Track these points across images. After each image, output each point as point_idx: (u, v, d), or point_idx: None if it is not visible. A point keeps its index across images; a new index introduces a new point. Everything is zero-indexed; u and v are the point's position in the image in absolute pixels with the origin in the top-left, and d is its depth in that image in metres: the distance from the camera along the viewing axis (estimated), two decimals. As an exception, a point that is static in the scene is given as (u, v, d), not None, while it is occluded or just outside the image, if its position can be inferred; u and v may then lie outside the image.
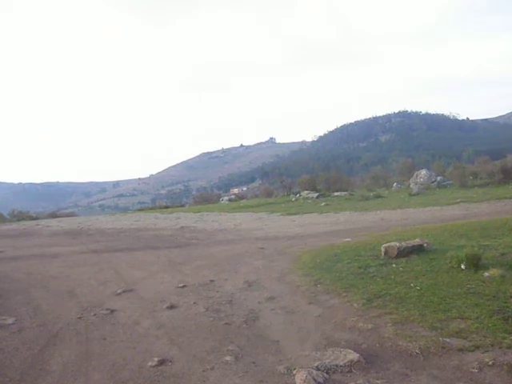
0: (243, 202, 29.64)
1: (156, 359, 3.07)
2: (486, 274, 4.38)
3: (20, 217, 28.42)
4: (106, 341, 3.57)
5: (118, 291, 5.20)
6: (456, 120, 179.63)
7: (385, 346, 3.10)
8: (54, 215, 31.75)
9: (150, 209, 33.70)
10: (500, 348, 2.86)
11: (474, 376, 2.58)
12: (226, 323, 3.86)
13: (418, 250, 5.64)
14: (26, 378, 2.94)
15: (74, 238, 12.46)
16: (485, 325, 3.22)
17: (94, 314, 4.31)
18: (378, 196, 22.02)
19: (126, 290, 5.24)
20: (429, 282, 4.39)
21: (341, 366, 2.80)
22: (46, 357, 3.27)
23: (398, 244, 5.64)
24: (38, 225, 18.81)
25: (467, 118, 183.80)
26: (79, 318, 4.22)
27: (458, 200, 15.98)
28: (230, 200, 34.44)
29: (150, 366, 3.00)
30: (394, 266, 5.17)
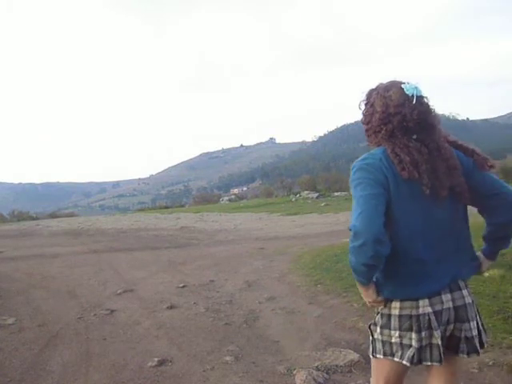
0: (243, 203, 29.65)
1: (156, 359, 3.07)
2: (486, 274, 4.37)
3: (20, 217, 28.45)
4: (106, 341, 3.57)
5: (118, 291, 5.20)
6: (456, 120, 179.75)
7: (385, 346, 3.09)
8: (53, 215, 31.77)
9: (150, 209, 33.75)
10: (500, 348, 2.86)
11: (474, 376, 2.58)
12: (226, 323, 3.86)
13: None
14: (26, 377, 2.94)
15: (74, 239, 12.46)
16: (485, 325, 3.22)
17: (94, 314, 4.30)
18: (378, 196, 22.00)
19: (126, 290, 5.24)
20: (429, 282, 4.39)
21: (341, 366, 2.79)
22: (46, 357, 3.27)
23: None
24: (38, 225, 18.81)
25: (467, 118, 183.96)
26: (79, 318, 4.22)
27: (458, 200, 15.98)
28: (230, 200, 34.47)
29: (150, 366, 3.00)
30: (394, 266, 5.17)
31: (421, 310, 1.41)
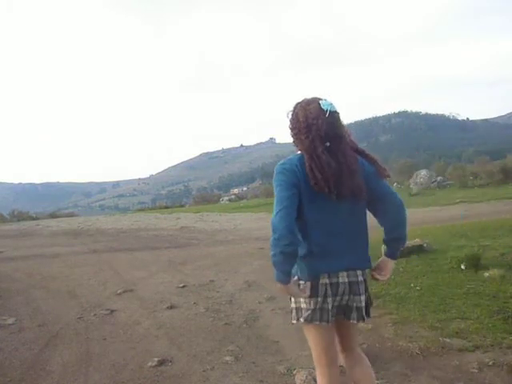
0: (243, 203, 29.65)
1: (156, 359, 3.07)
2: (486, 274, 4.38)
3: (20, 217, 28.42)
4: (106, 341, 3.57)
5: (118, 291, 5.20)
6: (456, 120, 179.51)
7: (385, 346, 3.10)
8: (53, 215, 31.74)
9: (150, 209, 33.69)
10: (500, 348, 2.86)
11: (474, 376, 2.58)
12: (226, 323, 3.86)
13: (418, 250, 5.64)
14: (26, 377, 2.94)
15: (74, 238, 12.46)
16: (485, 325, 3.22)
17: (94, 314, 4.31)
18: (378, 196, 21.96)
19: (126, 290, 5.24)
20: (429, 282, 4.39)
21: (341, 366, 2.78)
22: (46, 357, 3.27)
23: (398, 244, 5.63)
24: (37, 225, 18.80)
25: (467, 118, 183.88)
26: (79, 318, 4.22)
27: (458, 200, 15.99)
28: (229, 200, 34.46)
29: (150, 366, 3.00)
30: (393, 266, 5.17)
31: (320, 281, 1.76)
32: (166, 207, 33.42)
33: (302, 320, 1.80)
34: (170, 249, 9.05)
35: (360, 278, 1.82)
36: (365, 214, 1.89)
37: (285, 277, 1.69)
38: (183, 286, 5.32)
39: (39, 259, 8.23)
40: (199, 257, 7.65)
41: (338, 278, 1.77)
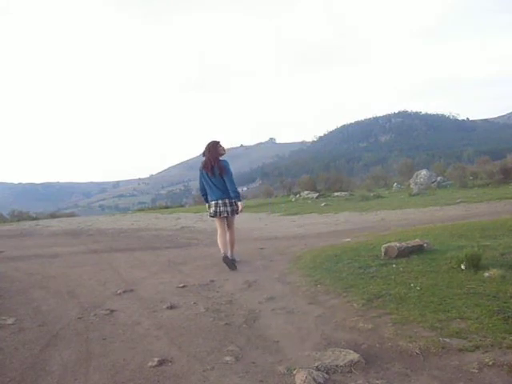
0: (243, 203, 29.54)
1: (156, 359, 3.07)
2: (486, 274, 4.37)
3: (20, 217, 28.40)
4: (106, 341, 3.57)
5: (118, 291, 5.20)
6: (456, 120, 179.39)
7: (385, 346, 3.09)
8: (53, 215, 31.72)
9: (150, 209, 33.64)
10: (500, 348, 2.86)
11: (474, 376, 2.58)
12: (226, 323, 3.86)
13: (418, 250, 5.63)
14: (26, 378, 2.94)
15: (74, 239, 12.45)
16: (485, 325, 3.22)
17: (94, 315, 4.30)
18: (378, 196, 22.02)
19: (126, 290, 5.24)
20: (429, 283, 4.38)
21: (341, 366, 2.80)
22: (46, 357, 3.27)
23: (398, 244, 5.63)
24: (37, 225, 18.79)
25: (467, 118, 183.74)
26: (79, 318, 4.22)
27: (458, 200, 15.97)
28: (230, 200, 34.21)
29: (150, 366, 3.00)
30: (394, 266, 5.16)
31: (213, 202, 6.31)
32: (166, 207, 33.38)
33: (210, 215, 6.40)
34: (170, 249, 9.04)
35: (226, 201, 6.17)
36: (224, 181, 6.12)
37: (205, 202, 6.61)
38: (183, 286, 5.32)
39: (39, 259, 8.22)
40: (199, 257, 7.65)
41: (217, 201, 6.21)
